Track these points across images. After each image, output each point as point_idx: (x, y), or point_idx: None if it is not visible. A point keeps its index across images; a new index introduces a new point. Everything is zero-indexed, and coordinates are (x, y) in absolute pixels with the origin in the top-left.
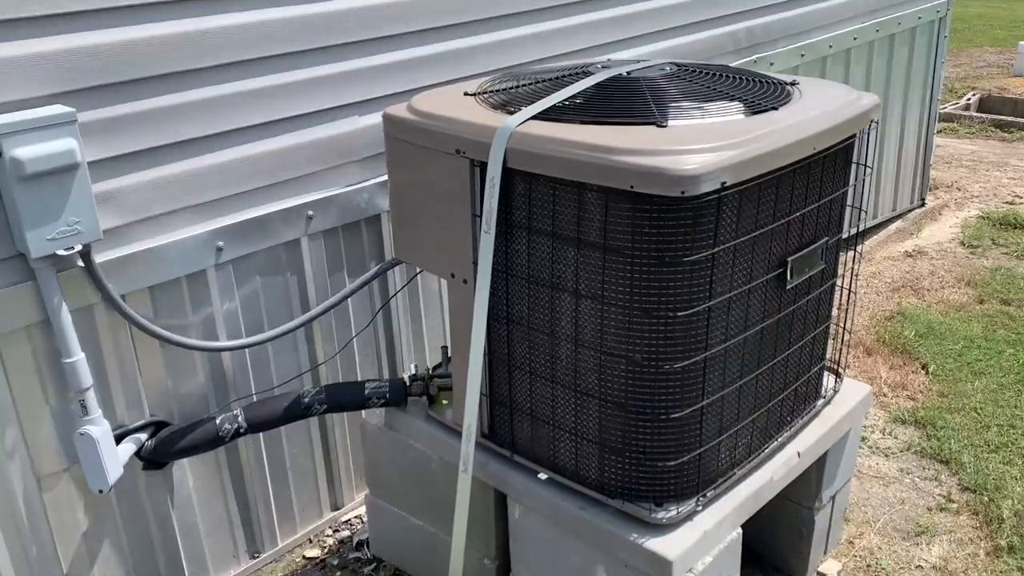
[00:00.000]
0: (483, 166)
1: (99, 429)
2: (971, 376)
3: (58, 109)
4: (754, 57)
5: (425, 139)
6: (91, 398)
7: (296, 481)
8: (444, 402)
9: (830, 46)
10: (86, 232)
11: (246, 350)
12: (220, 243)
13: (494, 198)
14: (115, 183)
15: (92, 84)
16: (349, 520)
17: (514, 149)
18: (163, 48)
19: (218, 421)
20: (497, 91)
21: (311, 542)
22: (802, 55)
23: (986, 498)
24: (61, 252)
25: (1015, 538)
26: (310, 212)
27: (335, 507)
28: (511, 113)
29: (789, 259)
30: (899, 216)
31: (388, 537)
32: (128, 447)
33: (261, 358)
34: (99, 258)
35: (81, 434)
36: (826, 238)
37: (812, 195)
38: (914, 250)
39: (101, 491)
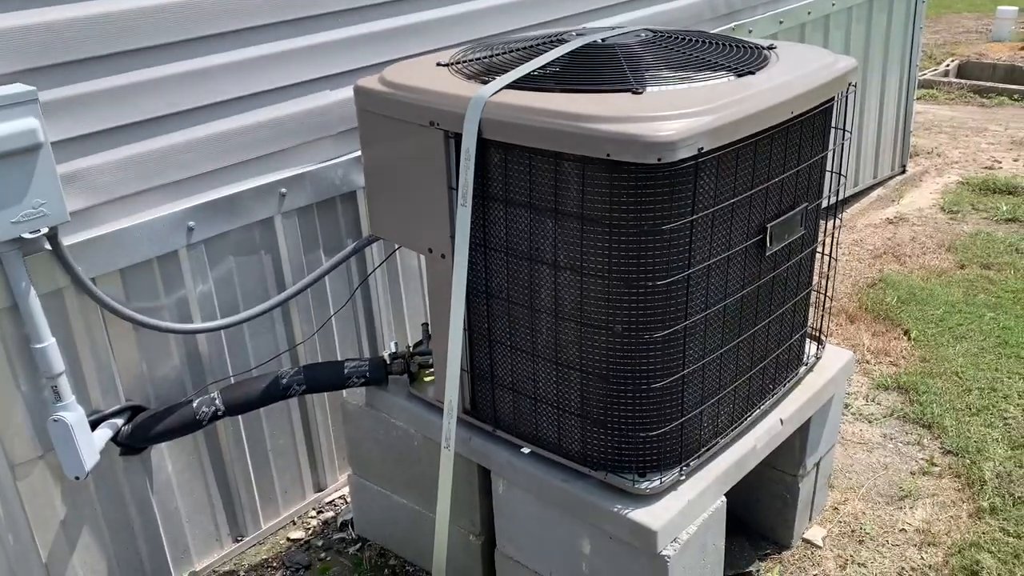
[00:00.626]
0: (458, 138)
1: (73, 415)
2: (952, 341)
3: (18, 88)
4: (732, 24)
5: (398, 111)
6: (64, 384)
7: (277, 463)
8: (426, 379)
9: (809, 12)
10: (52, 214)
11: (222, 332)
12: (191, 223)
13: (470, 170)
14: (81, 163)
15: (53, 61)
16: (333, 501)
17: (489, 119)
18: (126, 23)
19: (195, 404)
20: (471, 61)
21: (295, 524)
22: (780, 22)
23: (968, 460)
24: (27, 235)
25: (996, 499)
26: (283, 189)
27: (318, 488)
28: (485, 83)
29: (768, 225)
30: (880, 183)
31: (372, 517)
32: (104, 433)
33: (237, 339)
34: (67, 240)
35: (55, 420)
36: (805, 204)
37: (791, 160)
38: (895, 217)
39: (78, 478)
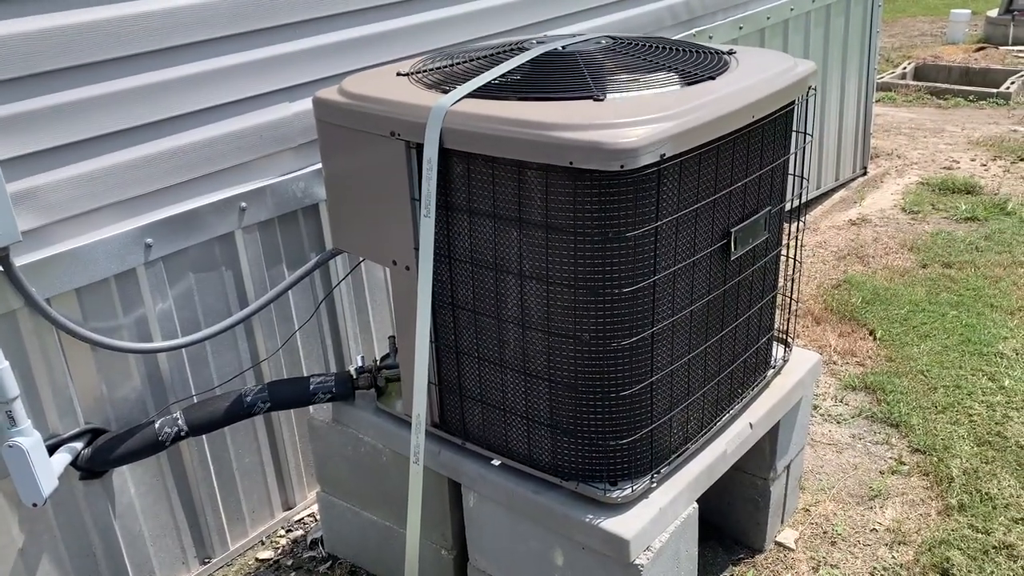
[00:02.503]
0: (419, 148)
1: (29, 440)
2: (917, 339)
3: None
4: (693, 31)
5: (358, 122)
6: (18, 408)
7: (244, 482)
8: (393, 393)
9: (768, 17)
10: (2, 234)
11: (183, 350)
12: (149, 240)
13: (432, 180)
14: (32, 181)
15: (2, 77)
16: (302, 519)
17: (450, 129)
18: (76, 38)
19: (157, 425)
20: (431, 70)
21: (263, 544)
22: (740, 27)
23: (935, 458)
24: None
25: (964, 496)
26: (243, 204)
27: (287, 506)
28: (446, 92)
29: (732, 230)
30: (842, 185)
31: (342, 534)
32: (63, 457)
33: (199, 357)
34: (19, 261)
35: (10, 447)
36: (769, 207)
37: (753, 164)
38: (858, 218)
39: (35, 504)
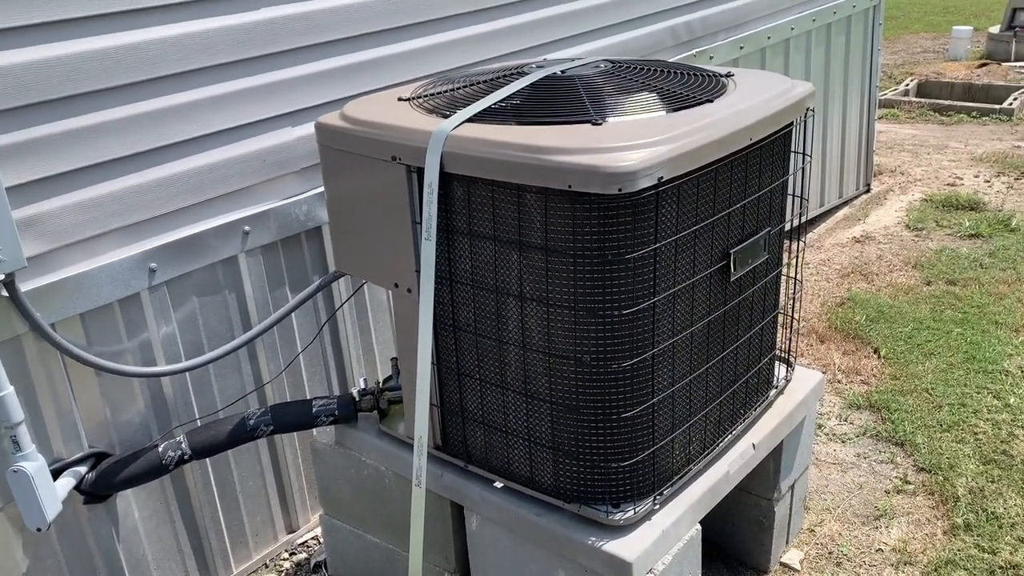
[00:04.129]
0: (420, 172)
1: (34, 465)
2: (921, 357)
3: None
4: (694, 51)
5: (360, 147)
6: (23, 433)
7: (248, 505)
8: (396, 416)
9: (768, 37)
10: (8, 260)
11: (186, 374)
12: (153, 264)
13: (433, 204)
14: (37, 208)
15: (6, 106)
16: (305, 542)
17: (450, 153)
18: (81, 66)
19: (161, 449)
20: (432, 95)
21: (267, 567)
22: (741, 47)
23: (941, 477)
24: None
25: (970, 515)
26: (247, 227)
27: (290, 529)
28: (447, 117)
29: (732, 251)
30: (846, 203)
31: (346, 557)
32: (67, 481)
33: (203, 381)
34: (25, 286)
35: (14, 471)
36: (768, 228)
37: (752, 186)
38: (862, 235)
39: (40, 529)
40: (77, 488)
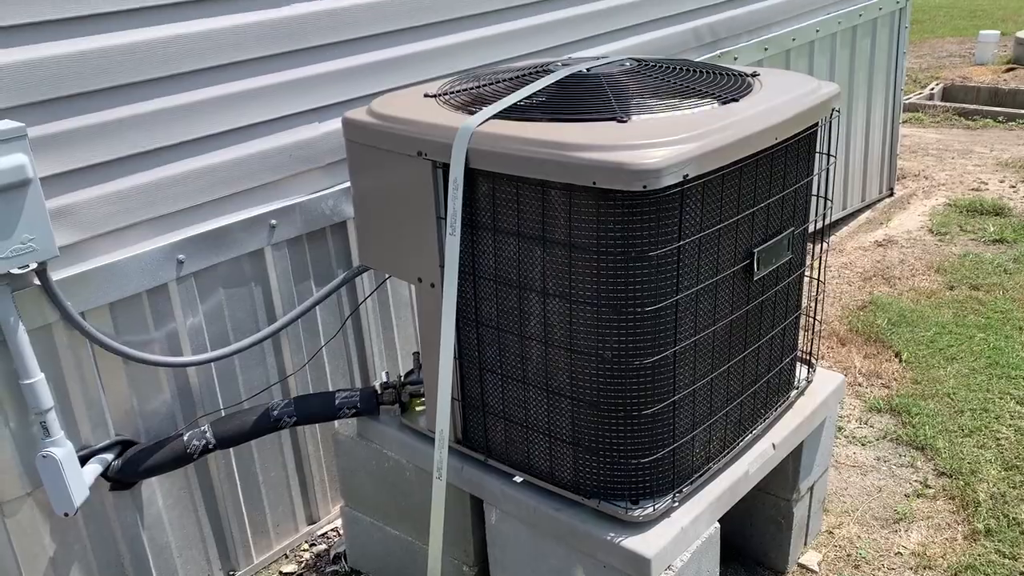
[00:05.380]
0: (445, 168)
1: (62, 451)
2: (943, 362)
3: (7, 124)
4: (718, 52)
5: (386, 142)
6: (52, 419)
7: (269, 496)
8: (417, 409)
9: (793, 39)
10: (41, 249)
11: (212, 364)
12: (181, 256)
13: (458, 199)
14: (70, 198)
15: (42, 98)
16: (326, 533)
17: (476, 149)
18: (114, 59)
19: (186, 438)
20: (458, 92)
21: (287, 557)
22: (765, 49)
23: (962, 482)
24: (15, 271)
25: (991, 521)
26: (273, 221)
27: (311, 520)
28: (472, 113)
29: (755, 250)
30: (868, 206)
31: (366, 549)
32: (94, 468)
33: (228, 372)
34: (56, 275)
35: (43, 457)
36: (792, 228)
37: (776, 185)
38: (884, 239)
39: (67, 514)
40: (104, 475)
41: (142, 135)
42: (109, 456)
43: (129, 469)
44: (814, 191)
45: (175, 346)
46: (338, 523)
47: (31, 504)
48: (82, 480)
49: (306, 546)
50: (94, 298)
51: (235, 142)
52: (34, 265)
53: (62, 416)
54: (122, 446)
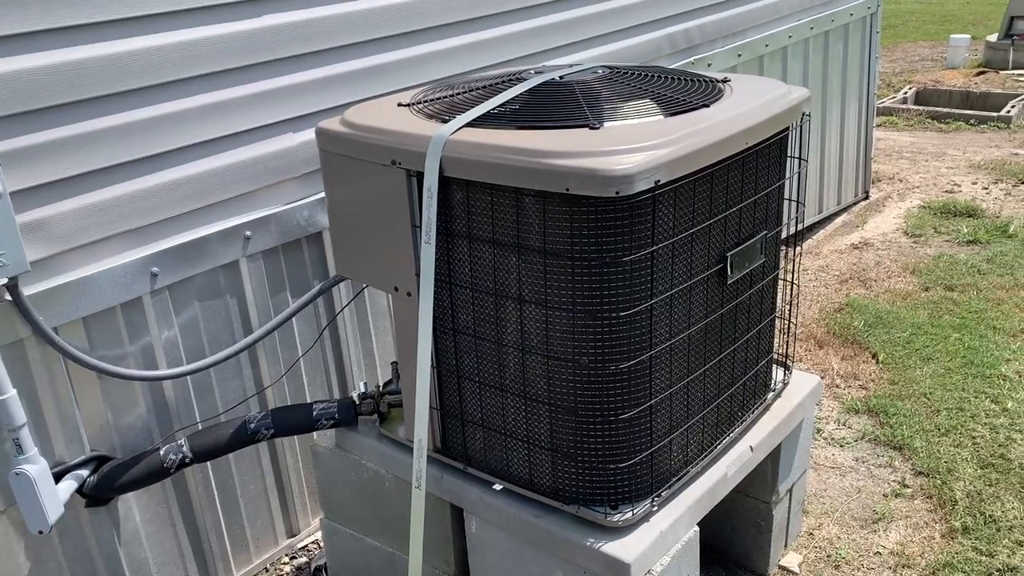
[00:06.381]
0: (420, 176)
1: (36, 468)
2: (919, 362)
3: None
4: (692, 59)
5: (360, 151)
6: (25, 436)
7: (248, 509)
8: (396, 419)
9: (766, 45)
10: (11, 264)
11: (188, 377)
12: (155, 269)
13: (432, 208)
14: (41, 212)
15: (10, 112)
16: (306, 546)
17: (450, 157)
18: (88, 72)
19: (162, 452)
20: (431, 101)
21: (268, 571)
22: (739, 55)
23: (939, 481)
24: None
25: (968, 519)
26: (248, 232)
27: (291, 533)
28: (446, 122)
29: (728, 254)
30: (844, 209)
31: (346, 560)
32: (69, 484)
33: (204, 385)
34: (27, 290)
35: (16, 474)
36: (764, 232)
37: (748, 190)
38: (860, 242)
39: (41, 532)
40: (79, 491)
41: (115, 147)
42: (84, 472)
43: (105, 485)
44: (787, 195)
45: (150, 360)
46: (318, 536)
47: (5, 522)
48: (57, 497)
49: (286, 559)
50: (67, 312)
51: (209, 153)
52: (4, 280)
53: (36, 432)
54: (97, 462)
